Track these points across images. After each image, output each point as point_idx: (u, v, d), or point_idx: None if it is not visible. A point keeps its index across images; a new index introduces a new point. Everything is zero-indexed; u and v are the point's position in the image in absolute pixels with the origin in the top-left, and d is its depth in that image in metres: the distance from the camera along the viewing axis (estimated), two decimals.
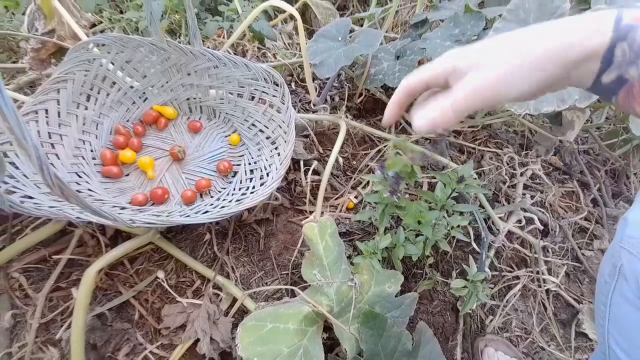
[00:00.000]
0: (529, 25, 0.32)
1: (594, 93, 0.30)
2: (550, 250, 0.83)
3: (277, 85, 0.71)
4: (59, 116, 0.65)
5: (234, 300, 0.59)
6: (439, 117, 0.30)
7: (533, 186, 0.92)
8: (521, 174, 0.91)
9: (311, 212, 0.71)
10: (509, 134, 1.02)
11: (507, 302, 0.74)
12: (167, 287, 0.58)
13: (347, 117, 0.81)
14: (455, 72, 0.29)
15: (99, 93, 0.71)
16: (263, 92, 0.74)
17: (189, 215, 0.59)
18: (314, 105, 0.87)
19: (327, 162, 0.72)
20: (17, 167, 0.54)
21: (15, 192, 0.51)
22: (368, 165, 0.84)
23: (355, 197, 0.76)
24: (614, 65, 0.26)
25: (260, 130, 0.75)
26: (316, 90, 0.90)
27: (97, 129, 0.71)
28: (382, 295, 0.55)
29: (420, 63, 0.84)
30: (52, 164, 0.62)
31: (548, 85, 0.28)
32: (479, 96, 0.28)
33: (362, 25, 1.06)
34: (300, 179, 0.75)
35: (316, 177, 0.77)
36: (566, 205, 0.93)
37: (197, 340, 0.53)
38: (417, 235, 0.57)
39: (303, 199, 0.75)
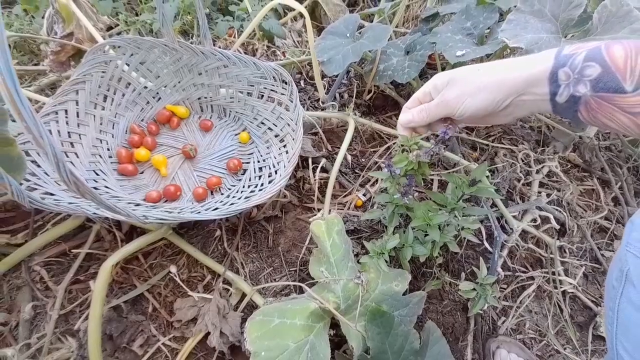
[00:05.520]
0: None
1: (561, 116, 0.38)
2: (567, 250, 0.81)
3: (285, 83, 0.72)
4: (77, 116, 0.68)
5: (243, 295, 0.60)
6: (416, 115, 0.43)
7: (550, 184, 0.89)
8: (537, 172, 0.88)
9: (319, 210, 0.72)
10: (525, 130, 0.99)
11: (520, 303, 0.72)
12: (179, 281, 0.60)
13: (355, 114, 0.80)
14: (435, 88, 0.41)
15: (114, 94, 0.74)
16: (272, 90, 0.74)
17: (199, 212, 0.60)
18: (323, 102, 0.87)
19: (335, 159, 0.72)
20: (38, 165, 0.57)
21: (36, 189, 0.53)
22: (377, 163, 0.83)
23: (364, 195, 0.76)
24: (562, 86, 0.33)
25: (269, 129, 0.75)
26: (325, 88, 0.90)
27: (113, 128, 0.73)
28: (389, 293, 0.54)
29: (430, 58, 0.83)
30: (71, 162, 0.64)
31: (498, 105, 0.37)
32: (445, 104, 0.39)
33: (371, 21, 1.04)
34: (309, 176, 0.76)
35: (324, 175, 0.77)
36: (585, 204, 0.90)
37: (208, 333, 0.55)
38: (426, 235, 0.56)
39: (311, 196, 0.75)
